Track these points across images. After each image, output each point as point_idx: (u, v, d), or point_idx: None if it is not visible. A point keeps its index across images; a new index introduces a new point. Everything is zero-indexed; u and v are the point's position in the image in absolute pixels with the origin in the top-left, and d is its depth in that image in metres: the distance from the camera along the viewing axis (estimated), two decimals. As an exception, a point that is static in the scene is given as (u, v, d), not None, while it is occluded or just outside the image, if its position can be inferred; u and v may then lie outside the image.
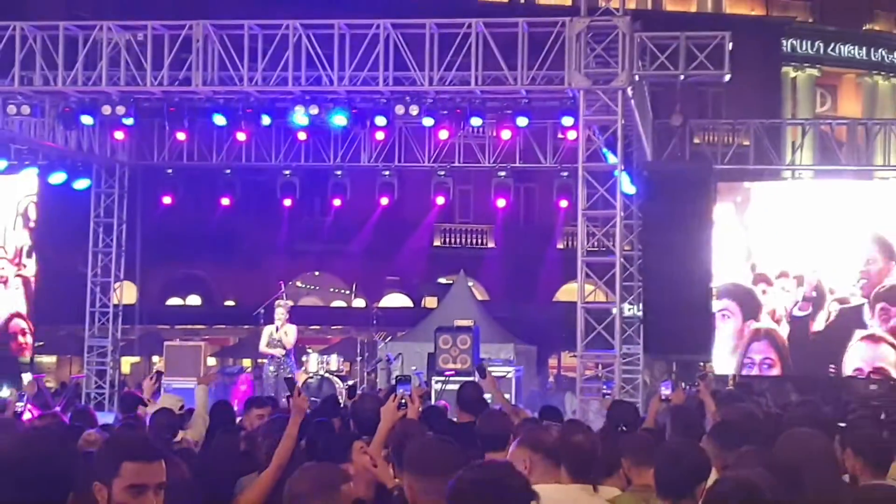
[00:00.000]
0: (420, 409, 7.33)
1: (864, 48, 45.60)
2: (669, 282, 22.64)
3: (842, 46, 45.18)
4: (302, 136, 20.62)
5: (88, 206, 23.33)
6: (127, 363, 30.02)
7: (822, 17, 45.19)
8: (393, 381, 17.48)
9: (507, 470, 4.16)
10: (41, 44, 18.40)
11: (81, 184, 22.35)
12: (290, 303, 22.90)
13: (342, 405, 11.52)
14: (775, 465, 5.28)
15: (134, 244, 24.11)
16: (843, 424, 8.11)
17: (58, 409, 16.84)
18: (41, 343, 29.56)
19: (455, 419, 9.74)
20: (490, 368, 21.94)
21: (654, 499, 5.85)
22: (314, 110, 18.65)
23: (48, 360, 33.80)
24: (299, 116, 18.84)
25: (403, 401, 6.91)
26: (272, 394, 17.05)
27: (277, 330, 21.51)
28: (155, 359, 29.64)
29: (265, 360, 21.83)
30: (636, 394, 20.11)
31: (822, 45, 44.82)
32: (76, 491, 4.13)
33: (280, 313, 21.73)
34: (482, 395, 9.52)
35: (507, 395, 20.55)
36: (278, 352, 21.09)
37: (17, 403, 16.91)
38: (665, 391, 11.20)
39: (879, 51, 45.84)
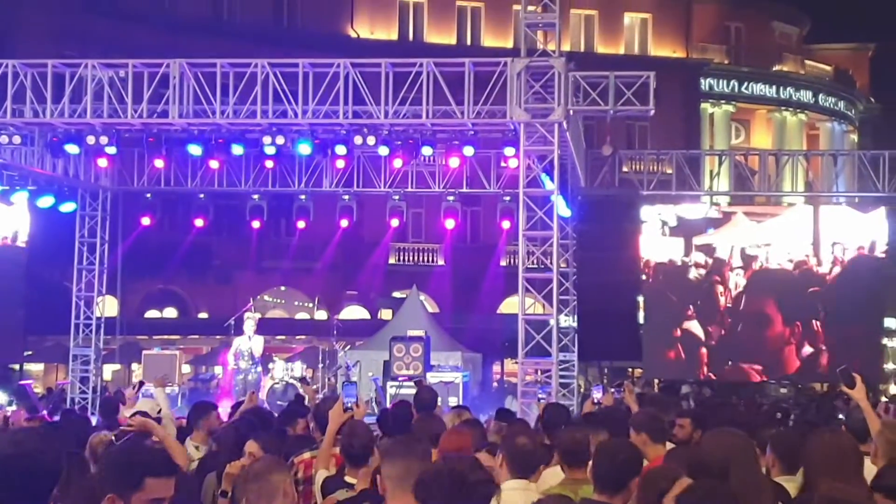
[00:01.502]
0: (364, 411, 7.35)
1: (774, 87, 46.18)
2: (601, 295, 22.90)
3: (754, 85, 45.72)
4: (269, 163, 20.50)
5: (74, 227, 23.10)
6: (109, 370, 29.67)
7: (736, 59, 45.73)
8: (340, 387, 17.49)
9: (471, 463, 4.17)
10: (31, 79, 18.23)
11: (68, 207, 22.10)
12: (259, 315, 22.82)
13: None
14: (702, 461, 5.31)
15: (115, 261, 23.86)
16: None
17: (44, 412, 16.67)
18: (30, 352, 29.21)
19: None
20: (440, 374, 22.13)
21: (582, 489, 5.87)
22: (280, 140, 18.59)
23: (36, 367, 33.33)
24: (267, 146, 18.76)
25: (349, 405, 6.97)
26: (242, 398, 16.94)
27: (250, 339, 21.41)
28: (134, 366, 29.33)
29: (234, 367, 21.70)
30: (571, 397, 20.20)
31: (736, 83, 45.35)
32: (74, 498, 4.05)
33: (249, 325, 21.63)
34: (437, 397, 9.52)
35: (455, 398, 20.65)
36: (243, 363, 21.01)
37: (8, 408, 16.71)
38: (596, 394, 11.26)
39: (788, 89, 46.44)
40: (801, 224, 24.35)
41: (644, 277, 24.18)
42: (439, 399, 10.77)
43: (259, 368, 21.44)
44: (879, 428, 6.47)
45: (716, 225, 24.88)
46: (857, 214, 23.93)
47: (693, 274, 24.60)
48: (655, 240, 24.33)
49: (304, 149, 18.85)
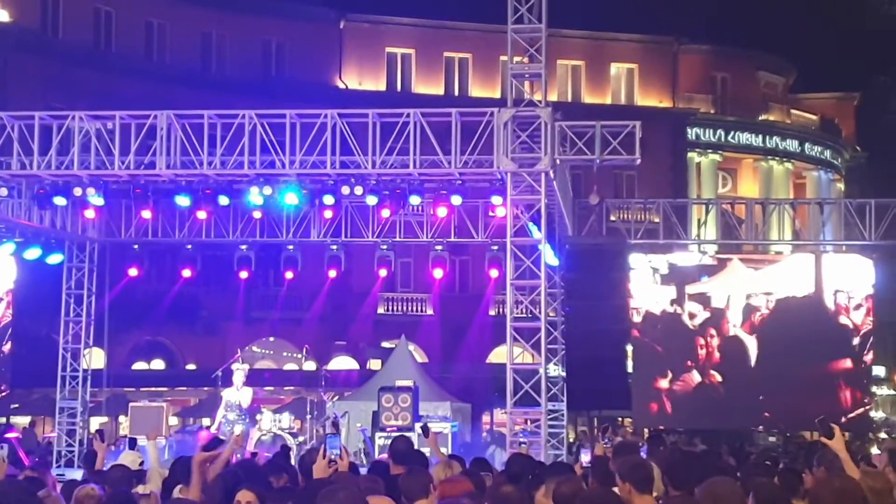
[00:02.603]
0: (348, 462, 7.32)
1: (761, 136, 46.51)
2: (590, 344, 22.82)
3: (740, 134, 46.05)
4: (257, 214, 20.54)
5: (61, 278, 23.03)
6: (96, 423, 29.43)
7: (722, 109, 46.08)
8: (325, 437, 17.33)
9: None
10: (18, 131, 18.25)
11: (55, 258, 22.05)
12: (247, 366, 22.70)
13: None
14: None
15: (102, 313, 23.77)
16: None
17: (30, 467, 16.48)
18: (17, 405, 28.99)
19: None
20: (429, 424, 21.96)
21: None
22: (268, 191, 18.61)
23: (23, 420, 33.04)
24: (254, 197, 18.79)
25: (332, 458, 6.95)
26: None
27: (238, 391, 21.27)
28: (121, 419, 29.11)
29: (223, 418, 21.55)
30: (561, 447, 20.10)
31: (722, 133, 45.67)
32: None
33: (238, 377, 21.51)
34: (412, 447, 9.41)
35: (444, 449, 20.51)
36: (231, 415, 20.88)
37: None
38: (584, 457, 10.95)
39: (774, 138, 46.77)
40: (803, 272, 24.28)
41: (633, 326, 24.13)
42: (428, 451, 10.70)
43: (247, 420, 21.30)
44: (860, 477, 6.48)
45: (710, 272, 24.68)
46: (863, 260, 24.02)
47: (687, 323, 24.42)
48: (646, 288, 24.27)
49: (292, 199, 18.88)
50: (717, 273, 24.78)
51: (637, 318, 24.25)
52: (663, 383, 23.82)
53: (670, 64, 44.58)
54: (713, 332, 24.31)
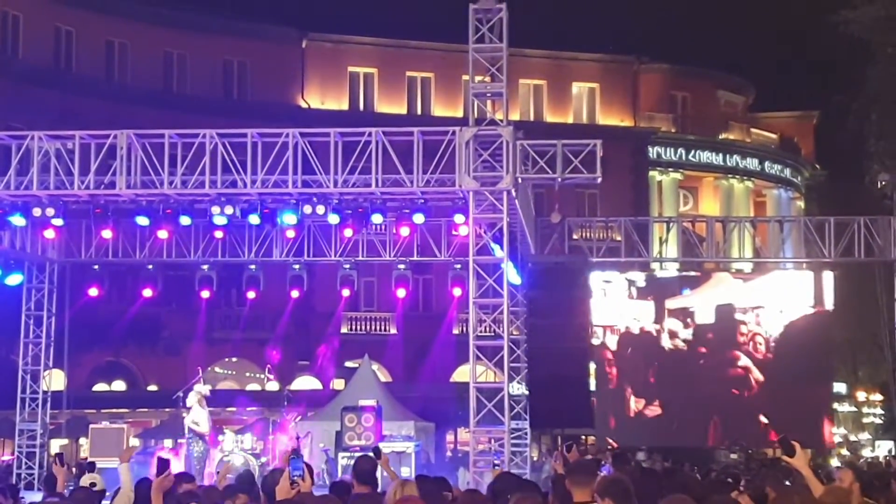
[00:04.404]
0: (311, 485, 7.30)
1: (721, 154, 46.93)
2: (553, 362, 22.86)
3: (701, 153, 46.44)
4: (219, 234, 20.47)
5: (20, 299, 22.81)
6: (56, 445, 29.09)
7: (682, 128, 46.49)
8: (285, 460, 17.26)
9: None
10: (-24, 151, 18.13)
11: (14, 279, 21.85)
12: (208, 388, 22.48)
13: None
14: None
15: (62, 334, 23.56)
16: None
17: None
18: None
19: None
20: (392, 444, 21.96)
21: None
22: (230, 210, 18.56)
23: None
24: (216, 216, 18.72)
25: (294, 479, 6.94)
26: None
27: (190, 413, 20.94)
28: (82, 441, 28.81)
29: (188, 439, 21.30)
30: (524, 465, 20.12)
31: (683, 151, 46.05)
32: None
33: (191, 398, 21.16)
34: (376, 466, 9.39)
35: (407, 469, 20.47)
36: (192, 437, 20.69)
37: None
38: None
39: (734, 157, 47.22)
40: (800, 288, 23.32)
41: (597, 344, 23.87)
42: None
43: (201, 443, 20.92)
44: (822, 494, 6.53)
45: (692, 285, 23.79)
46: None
47: (666, 344, 23.17)
48: (621, 304, 23.34)
49: (254, 219, 18.84)
50: (700, 285, 23.89)
51: (608, 336, 23.61)
52: (628, 402, 23.73)
53: (631, 83, 44.94)
54: (703, 356, 23.23)
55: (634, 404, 23.71)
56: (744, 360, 23.41)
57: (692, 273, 24.35)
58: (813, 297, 23.50)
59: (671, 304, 23.55)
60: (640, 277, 23.71)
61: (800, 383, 22.94)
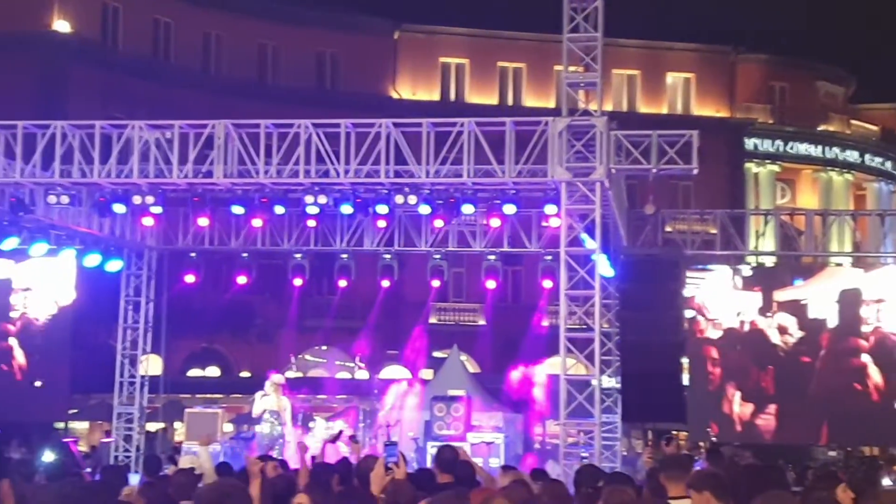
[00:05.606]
0: (405, 471, 7.38)
1: (820, 146, 46.03)
2: (644, 355, 22.49)
3: (799, 145, 45.62)
4: (311, 223, 20.70)
5: (119, 285, 23.39)
6: (152, 429, 29.82)
7: (780, 119, 45.68)
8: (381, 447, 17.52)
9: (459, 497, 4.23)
10: (79, 141, 18.57)
11: (114, 265, 22.40)
12: (283, 377, 22.99)
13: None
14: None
15: (159, 320, 24.10)
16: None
17: (88, 470, 16.80)
18: (75, 410, 29.45)
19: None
20: (481, 435, 22.01)
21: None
22: (323, 200, 18.75)
23: (81, 426, 33.55)
24: (309, 205, 18.94)
25: (389, 466, 7.01)
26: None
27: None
28: (177, 424, 29.45)
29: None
30: (615, 459, 20.00)
31: (781, 143, 45.27)
32: None
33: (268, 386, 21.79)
34: (458, 456, 9.43)
35: (496, 460, 20.52)
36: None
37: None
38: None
39: (833, 149, 46.26)
40: None
41: (696, 339, 22.75)
42: (481, 461, 10.74)
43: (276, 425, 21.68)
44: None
45: (805, 274, 22.03)
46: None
47: (776, 340, 21.10)
48: (723, 296, 21.68)
49: (346, 208, 19.02)
50: (815, 274, 21.97)
51: (710, 330, 22.08)
52: (732, 405, 22.42)
53: (728, 73, 44.30)
54: (813, 355, 21.13)
55: (739, 408, 22.17)
56: (864, 357, 21.19)
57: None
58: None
59: (780, 295, 21.59)
60: (745, 266, 22.33)
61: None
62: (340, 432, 17.43)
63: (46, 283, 23.05)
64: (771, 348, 21.55)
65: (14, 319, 23.19)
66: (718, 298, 22.20)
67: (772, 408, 21.68)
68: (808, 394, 21.46)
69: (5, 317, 23.14)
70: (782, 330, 21.36)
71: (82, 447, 27.11)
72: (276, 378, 22.15)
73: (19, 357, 23.02)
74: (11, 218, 19.54)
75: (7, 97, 31.91)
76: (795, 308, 21.52)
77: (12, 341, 23.10)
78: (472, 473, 9.30)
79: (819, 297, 21.42)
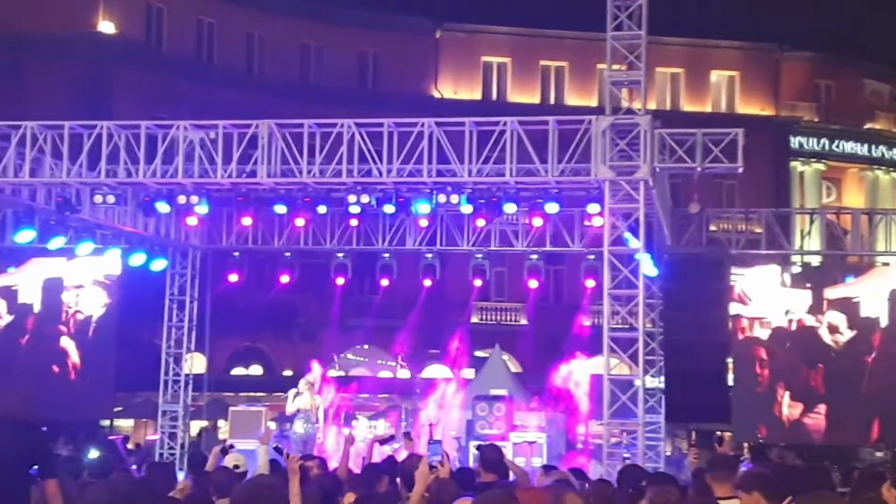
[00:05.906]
0: (449, 469, 7.40)
1: (866, 145, 45.51)
2: (688, 355, 22.33)
3: (845, 143, 45.11)
4: (354, 222, 20.77)
5: (164, 284, 23.59)
6: (196, 426, 30.07)
7: (826, 117, 45.20)
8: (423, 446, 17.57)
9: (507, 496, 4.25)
10: (125, 141, 18.73)
11: (158, 265, 22.60)
12: (312, 377, 23.20)
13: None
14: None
15: (203, 319, 24.29)
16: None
17: (133, 467, 16.96)
18: (120, 408, 29.78)
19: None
20: (524, 434, 21.96)
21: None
22: (365, 199, 18.81)
23: (126, 423, 33.91)
24: (352, 205, 18.99)
25: (433, 464, 7.03)
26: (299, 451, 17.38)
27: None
28: (221, 423, 29.69)
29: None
30: (658, 459, 19.86)
31: (826, 142, 44.79)
32: None
33: (302, 385, 21.97)
34: (502, 456, 9.42)
35: (539, 459, 20.48)
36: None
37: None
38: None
39: (880, 147, 45.72)
40: None
41: (743, 338, 22.44)
42: (524, 460, 10.73)
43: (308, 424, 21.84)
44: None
45: (857, 272, 21.79)
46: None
47: (826, 339, 20.84)
48: (771, 294, 21.38)
49: (389, 207, 19.06)
50: (866, 272, 21.68)
51: (758, 330, 21.76)
52: (781, 406, 22.12)
53: (773, 71, 43.89)
54: (868, 355, 20.70)
55: (788, 409, 21.86)
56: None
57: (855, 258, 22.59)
58: None
59: (831, 293, 21.37)
60: (794, 265, 21.98)
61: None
62: (392, 436, 17.47)
63: (96, 281, 23.29)
64: (822, 347, 21.29)
65: (67, 318, 23.44)
66: (766, 296, 21.95)
67: (821, 407, 21.43)
68: (860, 393, 21.20)
69: (58, 317, 23.37)
70: (832, 328, 21.13)
71: (130, 445, 27.38)
72: (310, 377, 22.26)
73: (74, 356, 23.26)
74: (58, 217, 19.78)
75: (53, 98, 32.31)
76: (847, 306, 21.26)
77: (66, 342, 23.30)
78: (507, 471, 9.30)
79: (870, 295, 21.23)
